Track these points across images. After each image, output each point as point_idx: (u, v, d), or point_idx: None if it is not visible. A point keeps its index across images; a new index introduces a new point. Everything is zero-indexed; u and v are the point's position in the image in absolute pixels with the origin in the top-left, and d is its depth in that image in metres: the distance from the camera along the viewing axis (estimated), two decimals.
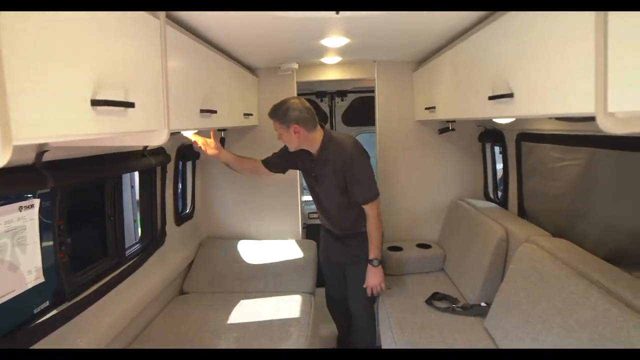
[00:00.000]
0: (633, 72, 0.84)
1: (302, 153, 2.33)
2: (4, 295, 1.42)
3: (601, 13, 0.91)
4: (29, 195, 1.55)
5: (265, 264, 2.90)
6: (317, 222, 2.82)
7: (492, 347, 1.94)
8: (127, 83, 1.13)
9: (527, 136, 2.43)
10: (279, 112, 2.21)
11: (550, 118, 1.52)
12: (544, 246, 1.96)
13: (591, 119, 1.01)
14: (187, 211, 3.04)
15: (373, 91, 3.22)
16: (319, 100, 4.15)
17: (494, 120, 2.04)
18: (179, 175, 2.87)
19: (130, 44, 1.18)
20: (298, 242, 3.14)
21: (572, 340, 1.47)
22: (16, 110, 0.72)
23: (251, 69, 2.97)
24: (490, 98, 1.53)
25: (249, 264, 2.91)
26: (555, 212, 2.25)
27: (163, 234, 2.53)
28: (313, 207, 2.95)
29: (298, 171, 3.01)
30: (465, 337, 2.06)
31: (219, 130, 2.97)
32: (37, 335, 1.50)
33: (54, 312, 1.63)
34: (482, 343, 1.99)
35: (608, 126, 0.98)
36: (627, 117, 0.95)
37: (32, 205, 1.54)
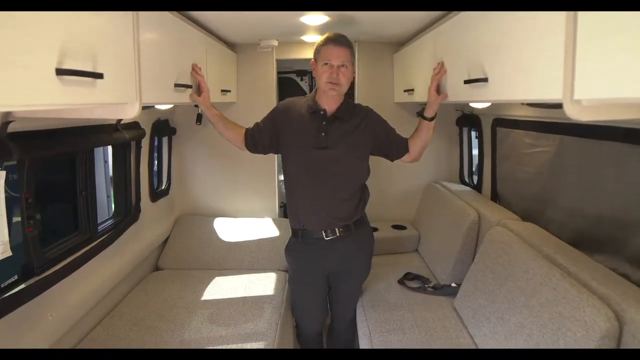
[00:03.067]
0: (599, 62, 0.87)
1: (301, 116, 1.97)
2: None
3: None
4: None
5: (241, 242, 2.91)
6: None
7: (460, 325, 2.01)
8: (95, 53, 1.10)
9: (502, 122, 2.48)
10: (351, 43, 1.88)
11: (523, 104, 1.56)
12: (513, 229, 2.02)
13: (559, 105, 1.03)
14: (163, 187, 3.00)
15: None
16: (299, 79, 4.12)
17: (471, 105, 2.06)
18: (154, 151, 2.81)
19: (99, 15, 1.14)
20: (274, 220, 3.15)
21: (534, 319, 1.53)
22: None
23: (230, 45, 2.91)
24: (466, 82, 1.55)
25: (224, 242, 2.91)
26: (526, 197, 2.31)
27: (137, 209, 2.50)
28: None
29: None
30: (434, 315, 2.12)
31: (196, 105, 2.92)
32: (5, 308, 1.48)
33: (22, 286, 1.61)
34: (450, 322, 2.06)
35: (574, 113, 1.01)
36: (592, 105, 0.98)
37: None
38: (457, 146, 3.20)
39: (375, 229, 3.01)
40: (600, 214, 1.71)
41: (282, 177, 3.42)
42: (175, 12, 1.78)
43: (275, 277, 2.60)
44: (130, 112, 1.38)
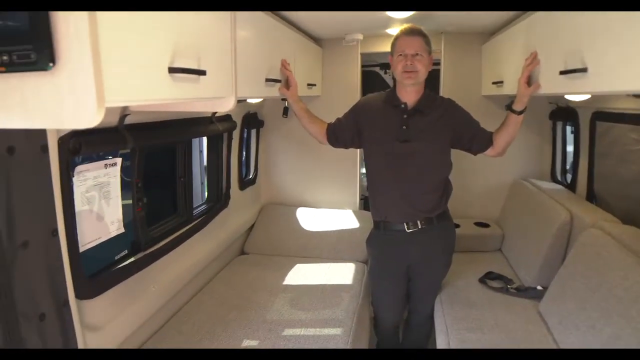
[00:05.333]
0: None
1: (381, 110, 1.99)
2: (93, 241, 1.63)
3: None
4: (110, 157, 1.73)
5: (322, 232, 3.00)
6: None
7: (545, 331, 1.91)
8: (199, 53, 1.22)
9: (603, 115, 2.27)
10: (425, 33, 1.88)
11: (629, 95, 1.42)
12: (611, 232, 1.86)
13: None
14: (250, 177, 3.20)
15: (439, 64, 3.13)
16: (382, 72, 4.11)
17: (567, 97, 1.93)
18: (244, 142, 3.00)
19: (203, 15, 1.26)
20: (355, 212, 3.20)
21: (633, 331, 1.42)
22: (108, 77, 0.82)
23: (316, 40, 3.00)
24: (562, 73, 1.47)
25: (306, 231, 3.03)
26: (628, 197, 2.11)
27: (227, 197, 2.70)
28: None
29: None
30: (517, 317, 2.03)
31: (283, 99, 3.06)
32: (118, 278, 1.70)
33: (132, 259, 1.84)
34: (534, 326, 1.96)
35: None
36: None
37: (115, 164, 1.72)
38: (549, 141, 2.99)
39: (457, 226, 2.93)
40: None
41: (363, 170, 3.47)
42: (266, 12, 1.89)
43: (354, 267, 2.65)
44: (226, 106, 1.51)
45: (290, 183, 3.38)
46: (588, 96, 1.88)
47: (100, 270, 1.69)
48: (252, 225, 3.12)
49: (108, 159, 1.68)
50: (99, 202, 1.66)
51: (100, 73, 0.80)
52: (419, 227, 1.99)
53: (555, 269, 2.08)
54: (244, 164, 3.08)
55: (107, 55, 0.81)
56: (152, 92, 1.02)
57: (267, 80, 1.86)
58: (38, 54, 0.77)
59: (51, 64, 0.78)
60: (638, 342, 1.37)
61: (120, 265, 1.76)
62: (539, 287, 2.20)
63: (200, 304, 2.23)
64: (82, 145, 1.39)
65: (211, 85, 1.33)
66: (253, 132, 3.17)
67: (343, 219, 3.12)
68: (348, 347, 1.90)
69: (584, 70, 1.35)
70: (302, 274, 2.58)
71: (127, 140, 1.59)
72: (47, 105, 0.80)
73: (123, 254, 1.87)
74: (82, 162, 1.54)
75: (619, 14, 1.14)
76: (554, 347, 1.79)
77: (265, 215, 3.20)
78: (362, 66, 3.29)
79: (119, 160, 1.73)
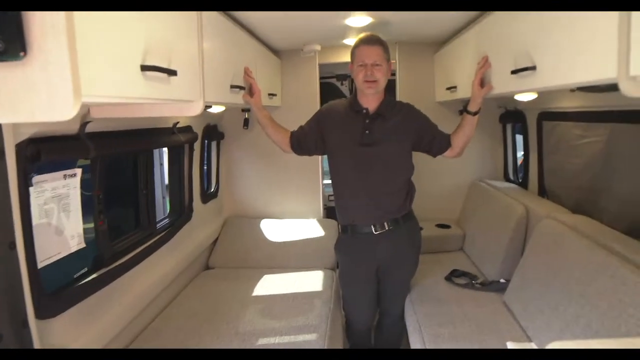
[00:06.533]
0: None
1: (344, 116, 2.04)
2: (52, 256, 1.53)
3: None
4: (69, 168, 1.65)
5: (287, 242, 2.99)
6: None
7: (511, 319, 1.99)
8: (170, 55, 1.21)
9: (549, 115, 2.45)
10: (384, 41, 1.94)
11: (573, 90, 1.55)
12: (564, 221, 1.99)
13: (612, 88, 1.05)
14: (212, 190, 3.14)
15: (394, 74, 3.25)
16: (339, 84, 4.20)
17: (516, 98, 2.06)
18: (205, 155, 2.96)
19: (173, 19, 1.26)
20: (320, 221, 3.21)
21: (592, 308, 1.51)
22: (84, 70, 0.80)
23: (275, 52, 3.03)
24: (513, 72, 1.57)
25: (272, 242, 3.00)
26: (576, 189, 2.27)
27: (191, 209, 2.63)
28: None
29: None
30: (484, 309, 2.10)
31: (243, 110, 3.05)
32: (81, 295, 1.61)
33: (95, 275, 1.74)
34: (501, 316, 2.03)
35: (631, 90, 1.02)
36: None
37: (74, 174, 1.64)
38: (501, 143, 3.17)
39: (420, 228, 3.01)
40: None
41: (326, 181, 3.50)
42: (230, 20, 1.90)
43: (322, 274, 2.65)
44: (194, 110, 1.49)
45: (253, 195, 3.35)
46: (535, 96, 2.02)
47: (62, 287, 1.59)
48: (216, 240, 3.05)
49: (67, 169, 1.60)
50: (58, 215, 1.57)
51: (77, 64, 0.77)
52: (386, 228, 2.03)
53: (516, 262, 2.19)
54: (205, 177, 3.02)
55: (82, 48, 0.79)
56: (125, 90, 1.00)
57: (232, 86, 1.87)
58: (7, 43, 0.74)
59: (22, 54, 0.74)
60: (598, 317, 1.46)
61: (83, 282, 1.66)
62: (502, 280, 2.30)
63: (169, 319, 2.14)
64: (41, 152, 1.32)
65: (181, 87, 1.32)
66: (214, 144, 3.13)
67: (308, 228, 3.12)
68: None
69: (533, 68, 1.46)
70: (271, 285, 2.54)
71: (88, 148, 1.53)
72: (18, 97, 0.77)
73: (84, 270, 1.77)
74: (39, 172, 1.46)
75: (563, 14, 1.25)
76: (521, 332, 1.87)
77: (228, 228, 3.14)
78: (320, 78, 3.35)
79: (78, 171, 1.65)
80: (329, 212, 3.70)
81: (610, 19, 1.01)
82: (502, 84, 1.78)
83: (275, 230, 3.11)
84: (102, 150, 1.65)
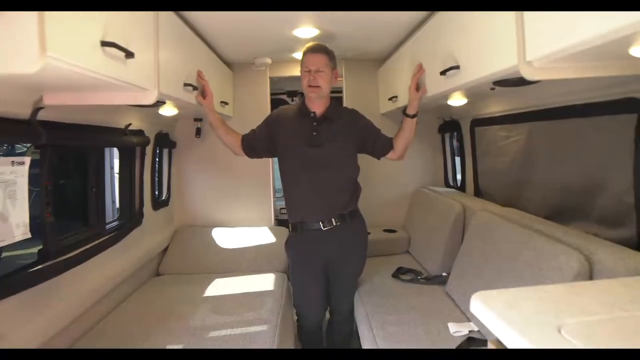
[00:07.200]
0: (542, 24, 1.09)
1: (293, 119, 2.17)
2: None
3: None
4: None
5: (239, 248, 3.02)
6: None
7: (452, 305, 2.13)
8: (127, 38, 1.29)
9: (479, 121, 2.71)
10: (329, 50, 2.11)
11: (492, 89, 1.77)
12: (495, 212, 2.20)
13: (525, 82, 1.26)
14: (163, 198, 3.13)
15: (340, 91, 3.46)
16: (289, 100, 4.37)
17: (449, 103, 2.29)
18: (156, 162, 2.96)
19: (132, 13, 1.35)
20: (271, 228, 3.28)
21: (519, 280, 1.67)
22: (49, 27, 0.87)
23: (227, 64, 3.14)
24: (442, 73, 1.78)
25: (223, 248, 3.02)
26: (504, 185, 2.51)
27: (141, 214, 2.62)
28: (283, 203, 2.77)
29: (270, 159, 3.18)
30: (428, 299, 2.24)
31: (195, 120, 3.12)
32: (24, 283, 1.58)
33: (39, 267, 1.71)
34: (443, 303, 2.17)
35: (529, 73, 1.23)
36: (542, 66, 1.20)
37: (23, 162, 1.63)
38: (441, 152, 3.42)
39: (368, 233, 3.15)
40: (568, 186, 1.91)
41: (276, 194, 3.58)
42: (185, 24, 2.01)
43: (274, 276, 2.69)
44: (148, 99, 1.57)
45: (205, 204, 3.37)
46: (465, 100, 2.25)
47: (4, 275, 1.56)
48: (166, 248, 3.03)
49: (15, 156, 1.60)
50: (4, 201, 1.55)
51: (44, 22, 0.85)
52: (334, 224, 2.14)
53: (455, 256, 2.36)
54: (156, 185, 3.02)
55: (50, 13, 0.87)
56: (85, 60, 1.07)
57: (185, 84, 1.95)
58: None
59: None
60: (523, 285, 1.62)
61: (28, 271, 1.63)
62: (444, 274, 2.46)
63: (116, 320, 2.10)
64: None
65: (136, 71, 1.40)
66: (165, 152, 3.15)
67: (260, 235, 3.17)
68: (275, 342, 1.92)
69: (457, 67, 1.68)
70: (222, 286, 2.55)
71: (40, 134, 1.54)
72: None
73: (29, 261, 1.74)
74: None
75: (475, 15, 1.48)
76: (462, 316, 2.01)
77: (179, 236, 3.12)
78: (271, 94, 3.49)
79: (27, 160, 1.64)
80: (280, 223, 3.78)
81: (508, 18, 1.23)
82: (434, 85, 1.99)
83: (227, 237, 3.13)
84: (53, 139, 1.66)
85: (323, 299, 2.34)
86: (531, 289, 1.02)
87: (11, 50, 0.84)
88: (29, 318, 1.60)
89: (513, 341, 0.81)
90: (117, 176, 2.60)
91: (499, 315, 0.88)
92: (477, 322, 1.91)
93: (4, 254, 1.60)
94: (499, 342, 0.91)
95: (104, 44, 1.13)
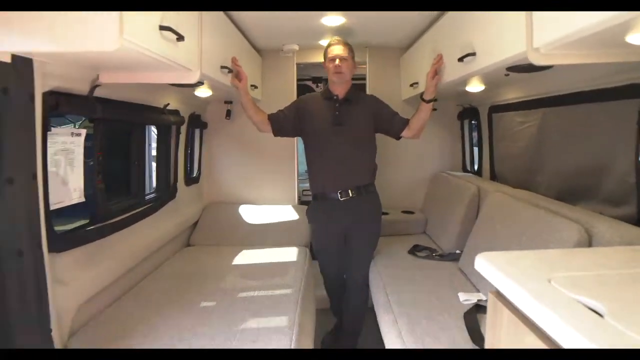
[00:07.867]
0: (548, 14, 1.22)
1: (318, 102, 2.43)
2: (58, 203, 1.72)
3: None
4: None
5: (264, 224, 3.23)
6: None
7: (464, 279, 2.27)
8: (178, 25, 1.48)
9: (497, 108, 2.82)
10: (349, 43, 2.39)
11: (507, 74, 1.89)
12: (508, 193, 2.32)
13: (537, 68, 1.39)
14: (194, 175, 3.35)
15: (364, 78, 3.60)
16: (314, 86, 4.52)
17: (467, 89, 2.41)
18: (189, 141, 3.18)
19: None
20: (295, 207, 3.47)
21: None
22: (126, 20, 1.06)
23: (257, 50, 3.32)
24: (459, 60, 1.91)
25: (249, 224, 3.24)
26: (518, 169, 2.63)
27: (175, 189, 2.84)
28: (306, 184, 2.97)
29: (295, 140, 3.38)
30: (442, 273, 2.38)
31: (225, 102, 3.31)
32: (83, 239, 1.81)
33: (93, 227, 1.94)
34: (455, 277, 2.31)
35: (537, 59, 1.36)
36: (548, 51, 1.33)
37: (80, 134, 1.85)
38: (460, 139, 3.54)
39: (386, 213, 3.30)
40: (577, 168, 2.03)
41: (300, 175, 3.74)
42: (223, 14, 2.20)
43: (297, 250, 2.89)
44: (192, 78, 1.76)
45: (232, 183, 3.58)
46: (482, 87, 2.36)
47: (66, 231, 1.78)
48: (196, 222, 3.25)
49: (74, 128, 1.82)
50: (65, 167, 1.77)
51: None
52: (350, 195, 2.36)
53: (469, 236, 2.49)
54: (188, 162, 3.23)
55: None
56: (149, 42, 1.26)
57: (222, 67, 2.13)
58: None
59: None
60: None
61: (84, 229, 1.85)
62: (457, 251, 2.60)
63: (155, 279, 2.33)
64: (59, 104, 1.54)
65: (185, 54, 1.59)
66: (197, 132, 3.36)
67: (284, 212, 3.37)
68: (298, 304, 2.09)
69: (473, 54, 1.81)
70: (249, 257, 2.76)
71: (96, 108, 1.75)
72: (73, 29, 1.01)
73: (84, 222, 1.96)
74: (53, 125, 1.67)
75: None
76: (472, 288, 2.15)
77: (208, 212, 3.35)
78: (297, 80, 3.65)
79: (83, 132, 1.86)
80: (302, 204, 3.96)
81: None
82: (451, 71, 2.12)
83: (253, 214, 3.34)
84: (106, 114, 1.87)
85: (342, 258, 2.55)
86: (531, 252, 1.15)
87: (92, 31, 1.02)
88: (85, 270, 1.82)
89: (509, 289, 0.94)
90: (153, 152, 2.80)
91: (498, 268, 1.01)
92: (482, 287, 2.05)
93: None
94: (498, 293, 1.06)
95: (162, 28, 1.31)
